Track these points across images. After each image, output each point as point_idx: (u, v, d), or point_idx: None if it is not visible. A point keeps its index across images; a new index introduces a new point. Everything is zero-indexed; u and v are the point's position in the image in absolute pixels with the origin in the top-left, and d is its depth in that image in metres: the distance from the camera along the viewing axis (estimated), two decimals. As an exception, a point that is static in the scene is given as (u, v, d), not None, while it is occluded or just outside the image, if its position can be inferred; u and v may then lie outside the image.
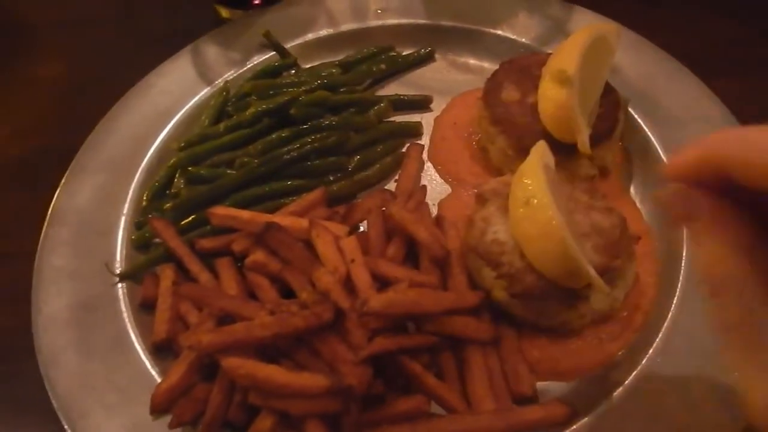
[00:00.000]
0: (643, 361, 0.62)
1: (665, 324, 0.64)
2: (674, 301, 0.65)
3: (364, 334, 0.59)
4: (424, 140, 0.83)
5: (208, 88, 0.87)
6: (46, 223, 0.74)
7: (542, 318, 0.64)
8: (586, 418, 0.60)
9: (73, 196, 0.77)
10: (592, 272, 0.58)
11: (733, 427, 0.57)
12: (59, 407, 0.62)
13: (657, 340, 0.63)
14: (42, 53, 1.00)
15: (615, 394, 0.61)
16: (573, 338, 0.65)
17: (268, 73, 0.87)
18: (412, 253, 0.69)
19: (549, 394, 0.63)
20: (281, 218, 0.69)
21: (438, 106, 0.86)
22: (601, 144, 0.72)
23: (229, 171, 0.77)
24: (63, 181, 0.77)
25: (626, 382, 0.61)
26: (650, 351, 0.63)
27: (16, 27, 1.03)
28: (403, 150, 0.81)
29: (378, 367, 0.58)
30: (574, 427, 0.59)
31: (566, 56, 0.69)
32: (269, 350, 0.61)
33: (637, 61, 0.82)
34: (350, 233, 0.69)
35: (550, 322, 0.64)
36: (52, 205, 0.76)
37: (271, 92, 0.82)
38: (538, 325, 0.65)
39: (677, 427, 0.58)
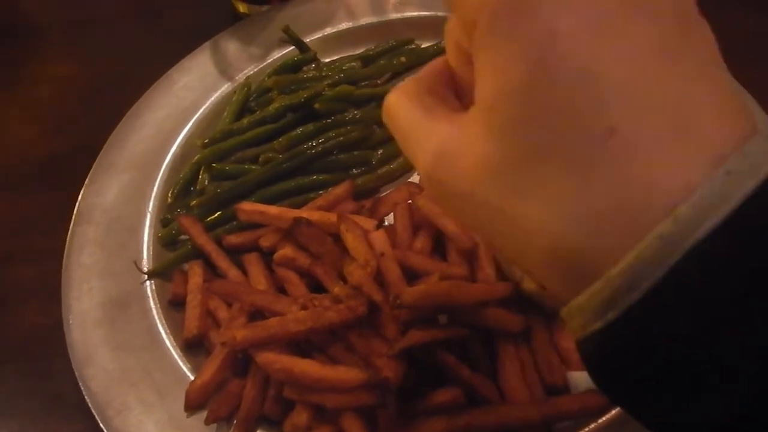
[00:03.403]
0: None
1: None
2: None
3: (397, 327, 0.59)
4: (447, 133, 0.83)
5: (229, 83, 0.87)
6: (72, 222, 0.75)
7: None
8: (619, 407, 0.60)
9: (99, 194, 0.77)
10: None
11: None
12: (94, 404, 0.62)
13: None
14: (62, 52, 1.00)
15: (648, 383, 0.61)
16: (604, 328, 0.65)
17: (288, 67, 0.87)
18: (438, 246, 0.69)
19: (581, 385, 0.63)
20: (309, 213, 0.69)
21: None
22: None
23: (254, 167, 0.77)
24: (88, 179, 0.78)
25: (658, 371, 0.62)
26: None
27: (37, 27, 1.03)
28: (426, 143, 0.81)
29: (412, 360, 0.59)
30: (608, 416, 0.59)
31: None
32: (302, 345, 0.61)
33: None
34: (377, 227, 0.69)
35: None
36: (77, 204, 0.76)
37: (292, 87, 0.83)
38: (569, 315, 0.65)
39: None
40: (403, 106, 0.38)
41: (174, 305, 0.70)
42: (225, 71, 0.88)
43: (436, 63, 0.39)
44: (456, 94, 0.38)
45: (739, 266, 0.26)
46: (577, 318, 0.30)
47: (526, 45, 0.28)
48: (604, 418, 0.59)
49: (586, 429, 0.59)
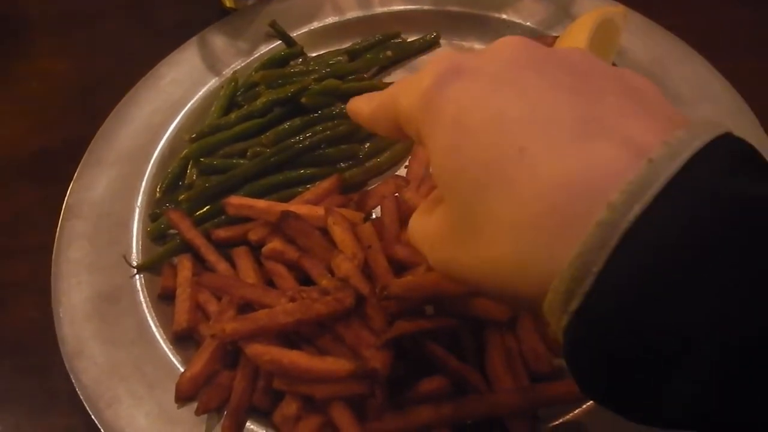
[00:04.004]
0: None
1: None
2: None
3: (384, 318, 0.60)
4: (433, 126, 0.83)
5: (216, 78, 0.87)
6: (61, 217, 0.75)
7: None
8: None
9: (88, 188, 0.77)
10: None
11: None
12: (85, 397, 0.63)
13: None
14: (51, 48, 0.99)
15: (631, 370, 0.62)
16: (588, 317, 0.66)
17: (275, 62, 0.88)
18: (426, 238, 0.70)
19: (566, 371, 0.64)
20: (297, 206, 0.69)
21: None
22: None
23: (242, 161, 0.77)
24: (76, 174, 0.78)
25: (641, 358, 0.63)
26: (664, 327, 0.64)
27: (25, 21, 1.03)
28: (413, 136, 0.82)
29: (399, 350, 0.59)
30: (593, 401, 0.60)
31: (574, 39, 0.70)
32: (291, 337, 0.62)
33: (644, 43, 0.83)
34: (365, 220, 0.70)
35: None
36: (66, 199, 0.76)
37: (279, 81, 0.83)
38: (554, 305, 0.66)
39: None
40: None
41: (163, 299, 0.70)
42: (212, 66, 0.88)
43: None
44: None
45: (673, 242, 0.28)
46: (551, 318, 0.32)
47: (439, 123, 0.36)
48: (589, 403, 0.61)
49: (572, 414, 0.60)
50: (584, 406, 0.60)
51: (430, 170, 0.39)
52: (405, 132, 0.42)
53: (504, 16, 0.90)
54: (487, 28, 0.90)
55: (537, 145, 0.32)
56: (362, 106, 0.48)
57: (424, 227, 0.42)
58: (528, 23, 0.88)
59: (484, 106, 0.34)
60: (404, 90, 0.40)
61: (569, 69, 0.36)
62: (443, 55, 0.39)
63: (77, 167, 0.78)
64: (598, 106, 0.33)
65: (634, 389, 0.30)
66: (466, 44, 0.90)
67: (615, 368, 0.30)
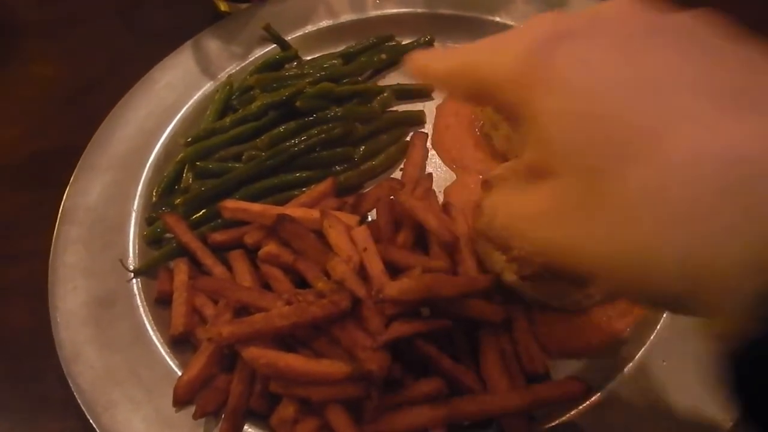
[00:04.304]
0: (651, 337, 0.64)
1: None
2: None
3: (380, 320, 0.60)
4: (428, 128, 0.84)
5: (211, 82, 0.87)
6: (57, 222, 0.75)
7: (552, 299, 0.65)
8: (598, 393, 0.62)
9: (83, 194, 0.77)
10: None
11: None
12: (83, 401, 0.63)
13: (664, 315, 0.65)
14: (44, 52, 0.99)
15: (625, 369, 0.63)
16: (582, 317, 0.67)
17: (269, 65, 0.88)
18: (420, 240, 0.70)
19: (560, 372, 0.65)
20: (292, 210, 0.70)
21: (440, 94, 0.87)
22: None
23: (237, 165, 0.78)
24: (72, 179, 0.78)
25: (636, 357, 0.63)
26: (658, 327, 0.65)
27: (16, 27, 1.02)
28: (407, 139, 0.83)
29: (395, 352, 0.60)
30: (588, 402, 0.61)
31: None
32: (287, 340, 0.62)
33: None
34: (360, 223, 0.70)
35: (560, 302, 0.66)
36: (62, 204, 0.76)
37: (274, 85, 0.83)
38: (548, 305, 0.66)
39: (689, 398, 0.60)
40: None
41: (160, 303, 0.70)
42: (207, 70, 0.88)
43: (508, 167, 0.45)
44: None
45: None
46: (728, 311, 0.28)
47: (557, 87, 0.32)
48: (583, 405, 0.61)
49: (567, 415, 0.61)
50: (579, 408, 0.61)
51: (546, 141, 0.33)
52: (488, 97, 0.37)
53: (497, 19, 0.90)
54: (480, 30, 0.90)
55: (694, 114, 0.28)
56: (434, 64, 0.42)
57: (525, 205, 0.37)
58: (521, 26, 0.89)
59: (614, 68, 0.30)
60: (496, 51, 0.36)
61: (703, 37, 0.32)
62: (543, 16, 0.36)
63: (70, 172, 0.78)
64: (755, 79, 0.30)
65: None
66: (459, 47, 0.91)
67: None
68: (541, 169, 0.36)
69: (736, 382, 0.29)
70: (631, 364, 0.63)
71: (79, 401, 0.63)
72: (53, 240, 0.73)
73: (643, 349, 0.63)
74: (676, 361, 0.62)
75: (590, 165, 0.30)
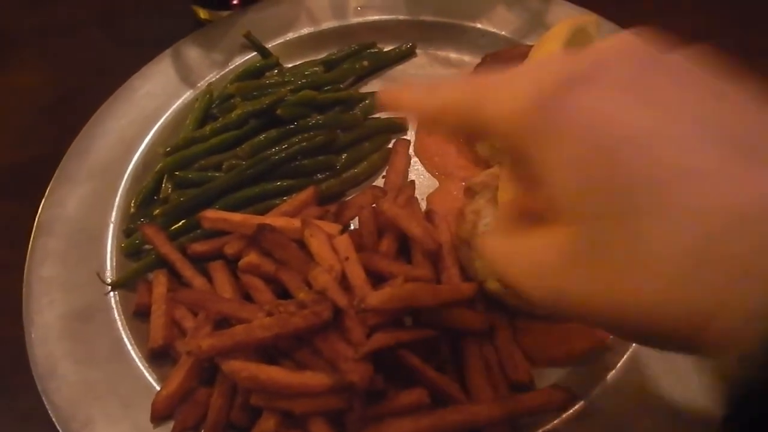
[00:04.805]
0: (634, 344, 0.64)
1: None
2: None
3: (363, 330, 0.60)
4: (410, 135, 0.84)
5: (191, 90, 0.86)
6: (33, 234, 0.73)
7: (536, 307, 0.65)
8: (582, 401, 0.61)
9: (59, 205, 0.76)
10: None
11: (721, 402, 0.59)
12: (58, 418, 0.62)
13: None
14: (22, 62, 0.98)
15: (608, 376, 0.63)
16: (566, 325, 0.66)
17: (250, 73, 0.87)
18: (403, 249, 0.70)
19: (544, 380, 0.64)
20: (273, 219, 0.69)
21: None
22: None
23: (217, 174, 0.77)
24: (48, 190, 0.77)
25: (618, 364, 0.63)
26: (641, 333, 0.65)
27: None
28: (390, 146, 0.82)
29: (378, 362, 0.59)
30: (572, 410, 0.61)
31: (549, 48, 0.70)
32: (268, 351, 0.61)
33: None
34: (342, 231, 0.69)
35: (543, 310, 0.65)
36: (38, 216, 0.75)
37: (255, 93, 0.82)
38: (532, 314, 0.66)
39: (672, 405, 0.60)
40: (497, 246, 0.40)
41: (139, 316, 0.69)
42: (187, 78, 0.87)
43: (504, 207, 0.44)
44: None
45: None
46: (728, 356, 0.28)
47: (565, 136, 0.32)
48: (567, 413, 0.61)
49: (551, 424, 0.61)
50: (563, 416, 0.60)
51: (550, 188, 0.33)
52: (482, 135, 0.38)
53: (478, 26, 0.90)
54: (461, 37, 0.90)
55: (704, 167, 0.28)
56: (420, 99, 0.41)
57: (523, 254, 0.36)
58: (503, 32, 0.89)
59: (624, 118, 0.30)
60: (500, 94, 0.36)
61: (707, 80, 0.32)
62: (554, 58, 0.35)
63: (49, 183, 0.77)
64: (756, 127, 0.30)
65: None
66: (441, 53, 0.91)
67: None
68: (540, 214, 0.36)
69: (736, 422, 0.29)
70: (614, 371, 0.63)
71: (53, 418, 0.61)
72: (28, 252, 0.72)
73: (626, 356, 0.63)
74: (659, 368, 0.62)
75: (602, 216, 0.30)
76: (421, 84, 0.43)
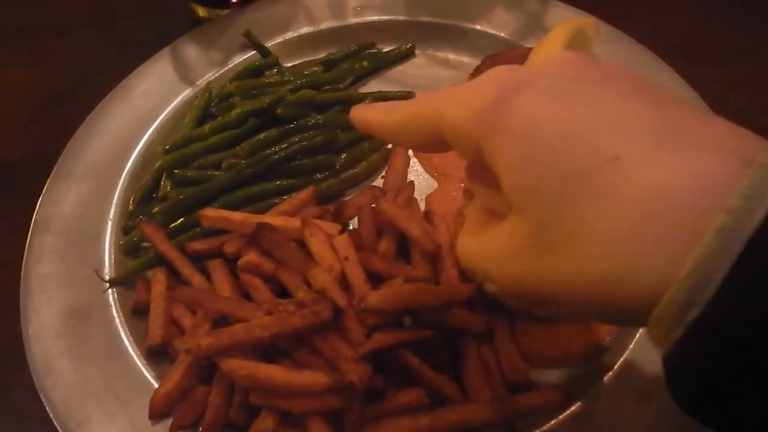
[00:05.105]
0: (631, 345, 0.64)
1: (651, 308, 0.66)
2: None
3: (362, 330, 0.60)
4: (409, 136, 0.84)
5: (190, 89, 0.86)
6: (30, 232, 0.73)
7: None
8: (579, 402, 0.62)
9: (57, 203, 0.76)
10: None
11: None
12: (56, 416, 0.61)
13: (644, 324, 0.65)
14: (17, 60, 0.97)
15: (606, 377, 0.63)
16: (563, 325, 0.67)
17: (249, 72, 0.87)
18: (402, 249, 0.70)
19: (542, 381, 0.64)
20: (273, 218, 0.69)
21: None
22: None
23: (216, 173, 0.77)
24: (45, 188, 0.76)
25: (616, 365, 0.63)
26: (637, 333, 0.65)
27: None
28: (389, 146, 0.82)
29: (377, 362, 0.59)
30: (570, 410, 0.61)
31: (549, 50, 0.71)
32: (267, 350, 0.61)
33: (614, 53, 0.84)
34: (341, 231, 0.69)
35: (541, 311, 0.65)
36: (35, 214, 0.74)
37: (254, 92, 0.82)
38: (530, 314, 0.66)
39: (670, 405, 0.60)
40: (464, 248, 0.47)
41: (137, 314, 0.69)
42: (185, 76, 0.87)
43: (470, 210, 0.49)
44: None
45: None
46: (658, 329, 0.31)
47: (509, 136, 0.35)
48: (564, 414, 0.61)
49: (548, 425, 0.61)
50: (561, 417, 0.61)
51: (503, 184, 0.37)
52: (443, 145, 0.41)
53: (478, 27, 0.90)
54: (460, 38, 0.90)
55: (628, 154, 0.31)
56: (380, 116, 0.46)
57: (485, 245, 0.41)
58: (502, 34, 0.89)
59: (559, 118, 0.34)
60: (454, 102, 0.39)
61: (628, 82, 0.36)
62: (499, 69, 0.39)
63: (43, 182, 0.77)
64: (676, 116, 0.33)
65: (763, 397, 0.29)
66: (440, 54, 0.91)
67: (742, 374, 0.28)
68: (500, 210, 0.40)
69: (671, 380, 0.32)
70: (611, 372, 0.63)
71: (51, 416, 0.61)
72: (26, 250, 0.72)
73: (623, 357, 0.64)
74: (657, 369, 0.62)
75: (548, 203, 0.34)
76: (380, 105, 0.47)
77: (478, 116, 0.37)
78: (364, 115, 0.48)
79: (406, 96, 0.86)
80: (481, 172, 0.40)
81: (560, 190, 0.33)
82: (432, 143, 0.42)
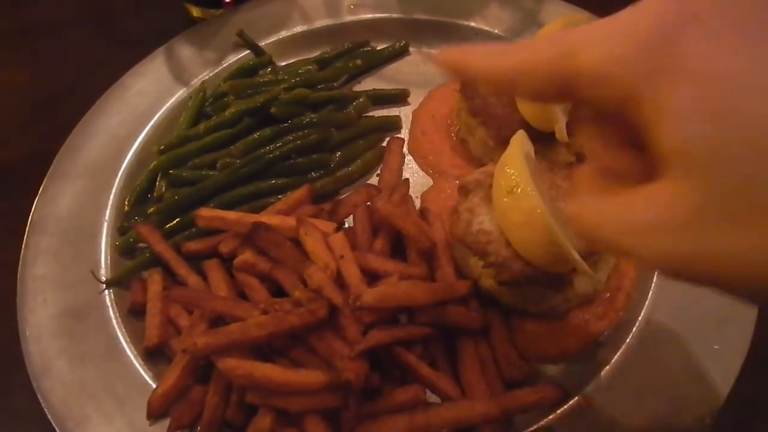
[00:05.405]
0: (627, 340, 0.65)
1: (646, 303, 0.66)
2: (654, 281, 0.68)
3: (358, 328, 0.60)
4: (404, 134, 0.84)
5: (185, 89, 0.86)
6: (26, 233, 0.73)
7: (530, 304, 0.66)
8: (576, 398, 0.62)
9: (53, 203, 0.76)
10: (577, 257, 0.60)
11: (712, 397, 0.60)
12: (53, 417, 0.62)
13: (639, 318, 0.65)
14: (12, 59, 0.97)
15: (602, 372, 0.63)
16: (560, 322, 0.67)
17: (243, 72, 0.87)
18: (398, 247, 0.70)
19: (539, 377, 0.65)
20: (268, 217, 0.69)
21: (415, 99, 0.86)
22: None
23: (211, 172, 0.76)
24: (41, 188, 0.76)
25: (612, 360, 0.64)
26: (633, 329, 0.65)
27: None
28: (384, 144, 0.82)
29: (373, 360, 0.59)
30: (566, 406, 0.61)
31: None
32: (263, 349, 0.61)
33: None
34: (337, 229, 0.69)
35: (537, 307, 0.66)
36: (31, 214, 0.74)
37: (248, 91, 0.82)
38: (526, 311, 0.66)
39: (662, 400, 0.60)
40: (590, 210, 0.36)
41: (133, 314, 0.69)
42: (180, 76, 0.87)
43: (580, 171, 0.39)
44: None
45: None
46: None
47: (687, 82, 0.29)
48: (561, 409, 0.61)
49: (545, 420, 0.61)
50: (558, 412, 0.61)
51: (663, 138, 0.30)
52: (572, 92, 0.34)
53: (472, 24, 0.90)
54: (454, 35, 0.90)
55: None
56: (485, 62, 0.37)
57: (629, 213, 0.33)
58: (496, 30, 0.89)
59: (750, 59, 0.28)
60: (591, 42, 0.33)
61: None
62: (643, 5, 0.32)
63: (39, 182, 0.77)
64: None
65: None
66: (434, 51, 0.91)
67: None
68: (628, 171, 0.33)
69: None
70: (607, 368, 0.63)
71: (49, 416, 0.61)
72: (22, 251, 0.72)
73: (619, 353, 0.64)
74: (654, 365, 0.63)
75: (738, 167, 0.28)
76: (485, 47, 0.38)
77: (637, 56, 0.31)
78: (462, 59, 0.39)
79: (401, 93, 0.86)
80: (599, 129, 0.35)
81: (750, 150, 0.27)
82: (553, 91, 0.35)
